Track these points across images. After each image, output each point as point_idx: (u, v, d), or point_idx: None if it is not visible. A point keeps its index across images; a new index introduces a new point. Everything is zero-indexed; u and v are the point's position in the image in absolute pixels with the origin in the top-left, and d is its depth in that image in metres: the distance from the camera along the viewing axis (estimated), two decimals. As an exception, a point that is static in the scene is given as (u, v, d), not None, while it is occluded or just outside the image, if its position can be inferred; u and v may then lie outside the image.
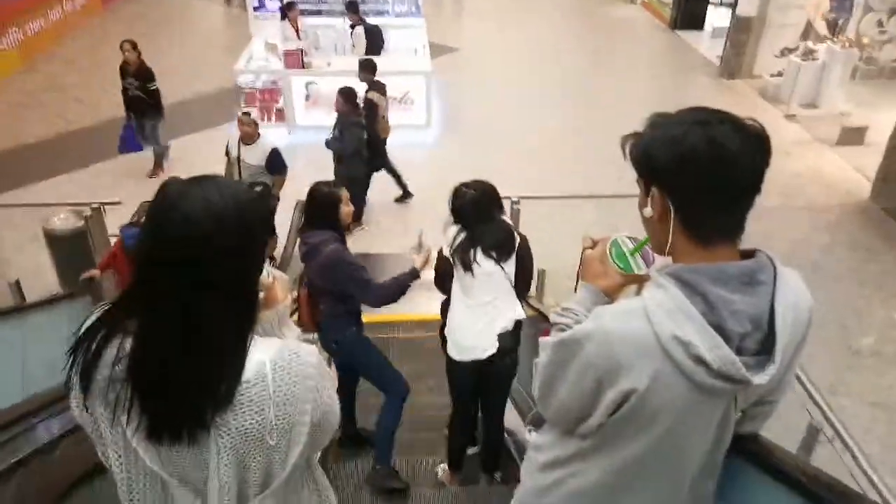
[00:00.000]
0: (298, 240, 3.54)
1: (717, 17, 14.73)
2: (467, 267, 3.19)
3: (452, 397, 3.64)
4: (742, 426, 1.42)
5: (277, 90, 9.76)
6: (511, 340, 3.31)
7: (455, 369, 3.44)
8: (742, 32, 11.92)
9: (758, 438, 1.53)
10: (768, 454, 1.52)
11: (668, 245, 1.31)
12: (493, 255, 3.20)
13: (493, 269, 3.21)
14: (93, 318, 1.25)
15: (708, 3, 15.22)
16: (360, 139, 7.14)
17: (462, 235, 3.24)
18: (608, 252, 1.53)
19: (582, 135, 9.75)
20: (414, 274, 3.41)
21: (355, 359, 3.68)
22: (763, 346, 1.24)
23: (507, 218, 3.41)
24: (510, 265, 3.26)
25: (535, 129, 10.11)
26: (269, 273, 1.50)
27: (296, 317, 3.61)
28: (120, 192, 8.24)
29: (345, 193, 3.43)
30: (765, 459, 1.52)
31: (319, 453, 1.59)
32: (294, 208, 6.63)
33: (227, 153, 6.58)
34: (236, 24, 14.01)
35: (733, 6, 12.40)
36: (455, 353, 3.37)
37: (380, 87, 7.92)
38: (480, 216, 3.23)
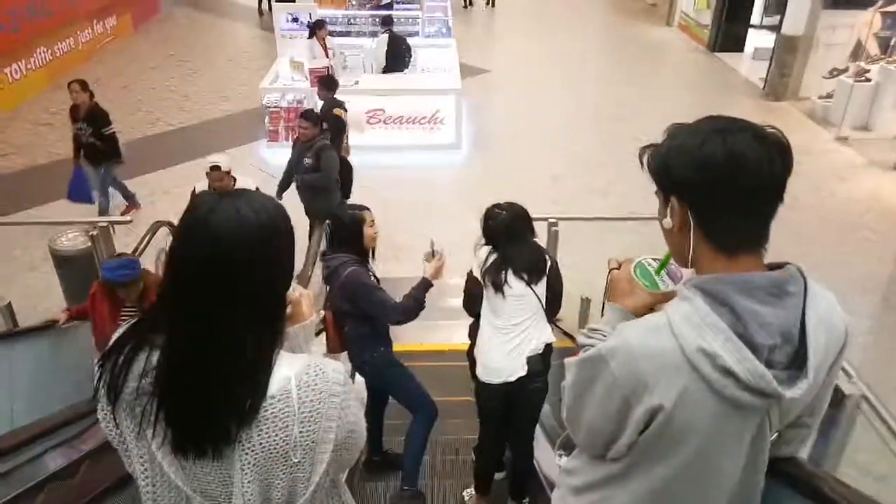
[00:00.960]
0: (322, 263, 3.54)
1: (758, 39, 14.26)
2: (498, 288, 3.17)
3: (480, 421, 3.59)
4: (779, 450, 1.37)
5: (303, 109, 9.45)
6: (541, 364, 3.26)
7: (483, 392, 3.39)
8: (788, 52, 11.39)
9: (796, 461, 1.48)
10: (808, 478, 1.47)
11: (690, 256, 1.28)
12: (525, 276, 3.19)
13: (524, 290, 3.20)
14: (121, 331, 1.25)
15: (749, 24, 14.74)
16: (337, 165, 6.34)
17: (493, 256, 3.24)
18: (633, 271, 1.52)
19: (618, 157, 9.25)
20: (426, 284, 3.37)
21: (384, 380, 3.63)
22: (794, 361, 1.20)
23: (541, 240, 3.38)
24: (541, 287, 3.25)
25: (569, 151, 9.69)
26: (294, 288, 1.47)
27: (323, 337, 3.60)
28: (140, 212, 8.02)
29: (369, 216, 3.43)
30: (804, 483, 1.46)
31: (346, 473, 1.55)
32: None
33: None
34: (265, 45, 13.89)
35: (778, 25, 11.90)
36: (483, 375, 3.33)
37: (341, 107, 7.55)
38: (512, 237, 3.23)
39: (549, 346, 3.30)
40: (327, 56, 9.71)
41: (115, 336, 1.26)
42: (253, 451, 1.20)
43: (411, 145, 9.49)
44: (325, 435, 1.23)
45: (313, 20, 10.11)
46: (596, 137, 10.18)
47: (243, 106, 11.03)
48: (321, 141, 6.37)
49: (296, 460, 1.22)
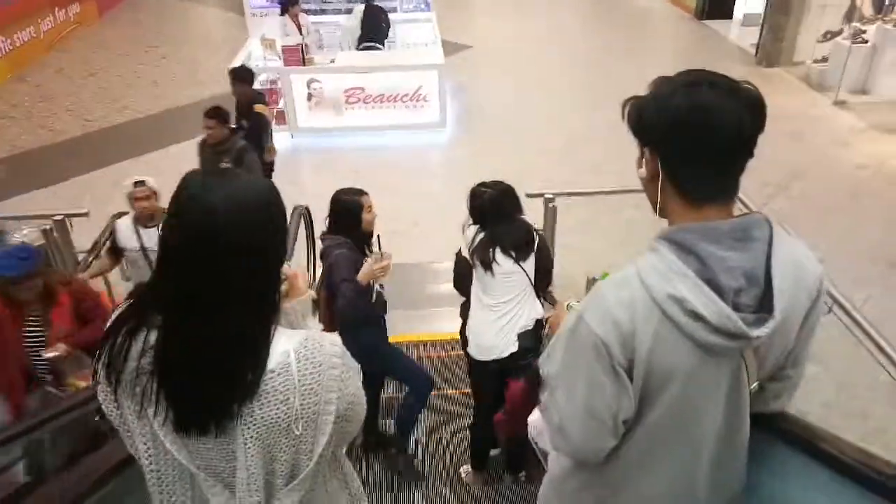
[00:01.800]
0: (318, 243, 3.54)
1: (746, 6, 13.82)
2: (487, 266, 3.18)
3: (474, 398, 3.64)
4: (766, 404, 1.42)
5: (277, 91, 8.95)
6: (532, 339, 3.28)
7: (476, 369, 3.43)
8: (780, 15, 10.97)
9: (786, 415, 1.53)
10: (800, 431, 1.52)
11: (658, 205, 1.32)
12: (513, 254, 3.20)
13: (512, 268, 3.21)
14: (118, 311, 1.25)
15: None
16: (260, 170, 5.72)
17: (481, 235, 3.24)
18: (565, 308, 1.68)
19: (612, 131, 8.82)
20: (362, 288, 3.24)
21: (376, 361, 3.54)
22: (762, 304, 1.22)
23: (530, 218, 3.39)
24: (529, 264, 3.26)
25: (558, 127, 9.25)
26: (289, 265, 1.45)
27: (318, 316, 3.58)
28: (108, 206, 7.53)
29: (367, 200, 3.42)
30: (797, 436, 1.52)
31: (346, 447, 1.56)
32: (291, 215, 5.87)
33: (115, 250, 4.50)
34: (239, 28, 13.26)
35: (769, -13, 11.49)
36: (476, 352, 3.35)
37: (261, 101, 6.65)
38: (499, 216, 3.24)
39: (539, 322, 3.32)
40: (301, 34, 9.19)
41: (112, 316, 1.26)
42: (255, 425, 1.20)
43: (393, 125, 9.02)
44: (326, 407, 1.24)
45: (285, -5, 9.54)
46: (585, 112, 9.73)
47: (215, 90, 10.45)
48: (238, 142, 5.67)
49: (298, 433, 1.22)
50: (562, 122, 9.41)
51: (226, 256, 1.16)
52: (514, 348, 3.24)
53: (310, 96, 8.85)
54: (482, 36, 13.46)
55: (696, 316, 1.19)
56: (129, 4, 16.10)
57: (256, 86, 8.96)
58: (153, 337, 1.20)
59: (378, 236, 3.47)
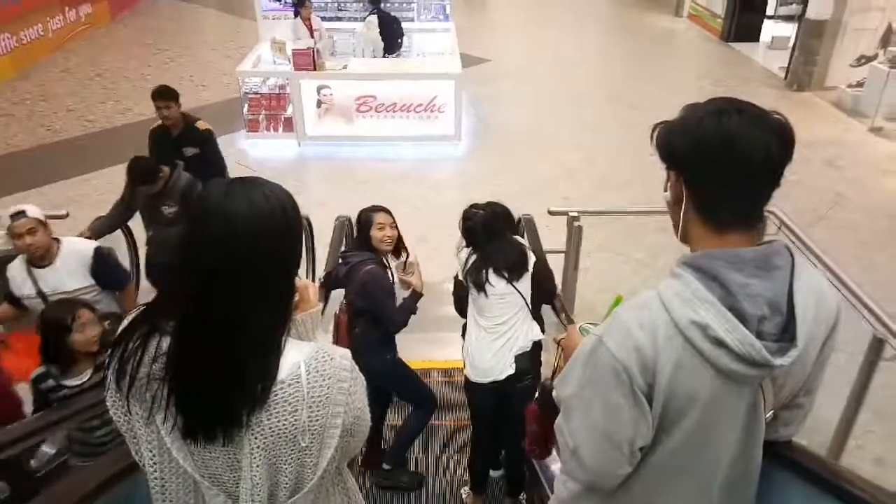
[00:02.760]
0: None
1: (774, 28, 13.47)
2: (480, 287, 3.17)
3: (472, 420, 3.62)
4: (777, 432, 1.42)
5: (285, 96, 8.55)
6: (529, 362, 3.24)
7: (473, 391, 3.39)
8: (813, 38, 10.51)
9: (793, 445, 1.54)
10: (807, 461, 1.54)
11: (681, 229, 1.33)
12: (505, 274, 3.17)
13: (506, 289, 3.18)
14: (130, 317, 1.24)
15: (764, 14, 13.91)
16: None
17: (473, 257, 3.24)
18: (578, 331, 1.63)
19: (634, 150, 8.45)
20: (416, 296, 3.40)
21: (390, 382, 3.63)
22: (784, 332, 1.22)
23: (521, 240, 3.39)
24: (524, 284, 3.22)
25: (579, 144, 8.79)
26: (300, 277, 1.40)
27: (330, 335, 3.53)
28: (98, 209, 7.12)
29: (378, 217, 3.39)
30: (803, 467, 1.54)
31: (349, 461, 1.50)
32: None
33: (11, 298, 3.68)
34: (250, 33, 12.95)
35: (802, 9, 11.07)
36: (473, 375, 3.32)
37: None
38: (491, 236, 3.22)
39: (537, 344, 3.27)
40: (312, 38, 8.81)
41: (124, 322, 1.24)
42: (262, 434, 1.20)
43: (406, 136, 8.59)
44: (333, 420, 1.24)
45: (297, -2, 9.17)
46: (608, 130, 9.28)
47: (224, 95, 10.12)
48: (182, 178, 4.58)
49: (304, 444, 1.22)
50: (583, 139, 8.95)
51: (244, 265, 1.16)
52: (511, 370, 3.19)
53: (319, 103, 8.44)
54: (502, 50, 13.10)
55: (720, 343, 1.18)
56: (144, 8, 15.90)
57: (264, 90, 8.63)
58: (165, 343, 1.19)
59: (404, 250, 3.51)
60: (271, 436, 1.20)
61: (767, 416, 1.32)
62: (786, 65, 11.39)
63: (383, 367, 3.44)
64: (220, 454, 1.23)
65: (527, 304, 3.21)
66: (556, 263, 4.00)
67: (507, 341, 3.21)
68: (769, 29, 13.65)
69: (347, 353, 1.30)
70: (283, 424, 1.20)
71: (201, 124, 5.45)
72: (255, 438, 1.20)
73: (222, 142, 8.82)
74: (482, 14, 16.85)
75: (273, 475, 1.24)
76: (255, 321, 1.18)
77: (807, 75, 10.78)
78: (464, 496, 3.80)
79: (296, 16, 8.98)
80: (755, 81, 11.55)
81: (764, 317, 1.20)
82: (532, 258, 3.26)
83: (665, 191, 1.35)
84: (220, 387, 1.17)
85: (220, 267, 1.15)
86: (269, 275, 1.19)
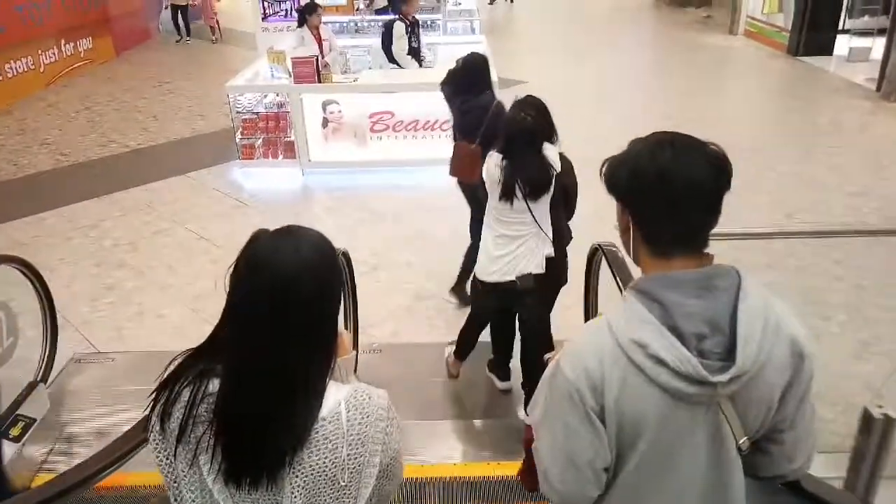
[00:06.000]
0: None
1: (851, 41, 11.88)
2: (505, 196, 3.21)
3: (470, 318, 3.81)
4: (780, 467, 1.41)
5: (286, 116, 7.11)
6: (532, 282, 3.31)
7: (478, 289, 3.59)
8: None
9: (801, 483, 1.63)
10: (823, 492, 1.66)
11: (632, 255, 1.40)
12: (528, 189, 3.18)
13: (523, 205, 3.22)
14: (178, 360, 1.28)
15: (837, 27, 12.33)
16: None
17: (505, 163, 3.22)
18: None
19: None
20: None
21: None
22: (730, 353, 1.24)
23: (552, 157, 3.23)
24: (542, 204, 3.24)
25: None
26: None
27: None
28: (57, 251, 5.70)
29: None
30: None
31: None
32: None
33: None
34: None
35: (892, 22, 9.58)
36: (480, 273, 3.50)
37: None
38: (528, 149, 3.19)
39: (549, 261, 3.33)
40: (321, 50, 7.42)
41: (171, 367, 1.27)
42: (303, 473, 1.21)
43: (430, 160, 7.01)
44: (371, 458, 1.25)
45: (303, 3, 7.80)
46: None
47: (221, 124, 8.77)
48: None
49: (343, 483, 1.23)
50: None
51: (293, 314, 1.19)
52: (512, 277, 3.31)
53: (326, 122, 6.98)
54: (539, 73, 11.60)
55: (659, 361, 1.22)
56: (153, 44, 14.90)
57: (260, 109, 7.24)
58: (212, 385, 1.21)
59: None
60: (311, 474, 1.20)
61: (741, 442, 1.30)
62: (873, 76, 10.12)
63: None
64: (259, 496, 1.21)
65: (539, 225, 3.26)
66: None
67: (518, 254, 3.30)
68: (842, 42, 12.08)
69: (384, 393, 1.32)
70: (324, 462, 1.20)
71: None
72: (296, 477, 1.20)
73: (212, 172, 7.54)
74: (509, 33, 15.56)
75: None
76: (303, 365, 1.20)
77: (905, 84, 9.12)
78: (445, 354, 3.97)
79: (300, 24, 7.61)
80: (842, 93, 9.94)
81: (703, 335, 1.23)
82: (553, 177, 3.22)
83: (617, 221, 1.40)
84: (268, 429, 1.17)
85: (270, 316, 1.18)
86: (314, 321, 1.22)
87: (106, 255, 5.68)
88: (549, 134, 3.25)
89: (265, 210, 6.55)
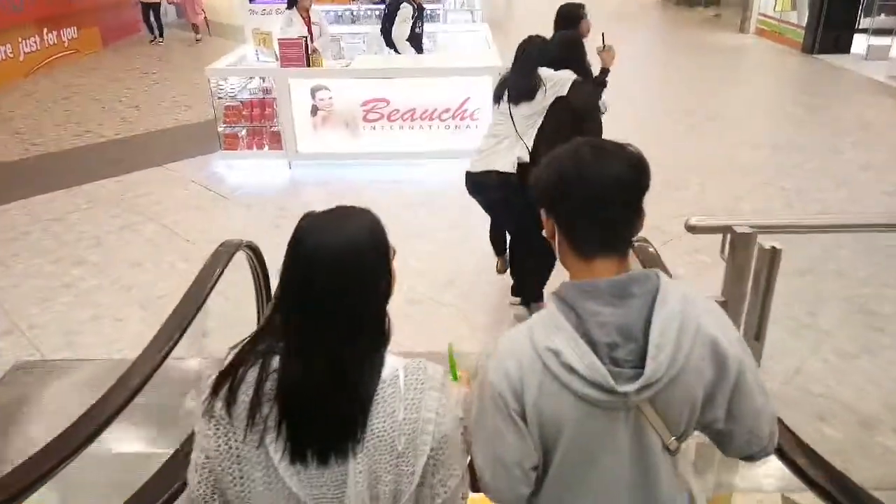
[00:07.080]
0: None
1: (870, 38, 11.43)
2: (495, 98, 3.75)
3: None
4: (733, 451, 1.41)
5: (272, 103, 6.56)
6: (495, 180, 3.68)
7: (466, 178, 3.91)
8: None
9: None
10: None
11: (560, 260, 1.40)
12: (511, 94, 3.65)
13: (506, 109, 3.68)
14: (238, 348, 1.28)
15: (854, 27, 11.86)
16: None
17: (507, 72, 3.80)
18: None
19: (729, 169, 6.40)
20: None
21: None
22: (643, 360, 1.23)
23: (553, 75, 3.62)
24: (520, 111, 3.64)
25: (652, 164, 6.62)
26: None
27: None
28: (12, 246, 5.15)
29: None
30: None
31: None
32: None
33: None
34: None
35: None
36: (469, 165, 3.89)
37: None
38: (524, 64, 3.65)
39: (520, 166, 3.65)
40: (311, 34, 6.88)
41: (234, 352, 1.28)
42: (364, 439, 1.21)
43: (429, 152, 6.50)
44: (424, 426, 1.25)
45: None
46: (686, 150, 7.17)
47: (208, 115, 8.23)
48: None
49: (400, 449, 1.23)
50: (654, 159, 6.80)
51: (348, 291, 1.20)
52: (482, 169, 3.73)
53: (315, 109, 6.42)
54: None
55: (571, 369, 1.23)
56: (144, 36, 14.33)
57: (245, 95, 6.70)
58: (275, 362, 1.22)
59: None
60: (371, 438, 1.20)
61: (669, 442, 1.30)
62: (894, 74, 9.88)
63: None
64: (325, 473, 1.21)
65: (515, 129, 3.66)
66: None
67: (494, 151, 3.71)
68: (863, 39, 11.62)
69: (440, 367, 1.34)
70: (383, 426, 1.21)
71: None
72: (359, 444, 1.20)
73: (192, 164, 7.00)
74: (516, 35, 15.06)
75: (373, 486, 1.22)
76: (361, 340, 1.22)
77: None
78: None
79: (290, 6, 7.06)
80: (865, 91, 9.51)
81: (615, 344, 1.23)
82: (540, 89, 3.59)
83: (545, 228, 1.41)
84: (329, 398, 1.18)
85: (325, 296, 1.19)
86: (370, 296, 1.23)
87: (66, 251, 5.11)
88: (566, 65, 3.67)
89: (247, 204, 5.99)
